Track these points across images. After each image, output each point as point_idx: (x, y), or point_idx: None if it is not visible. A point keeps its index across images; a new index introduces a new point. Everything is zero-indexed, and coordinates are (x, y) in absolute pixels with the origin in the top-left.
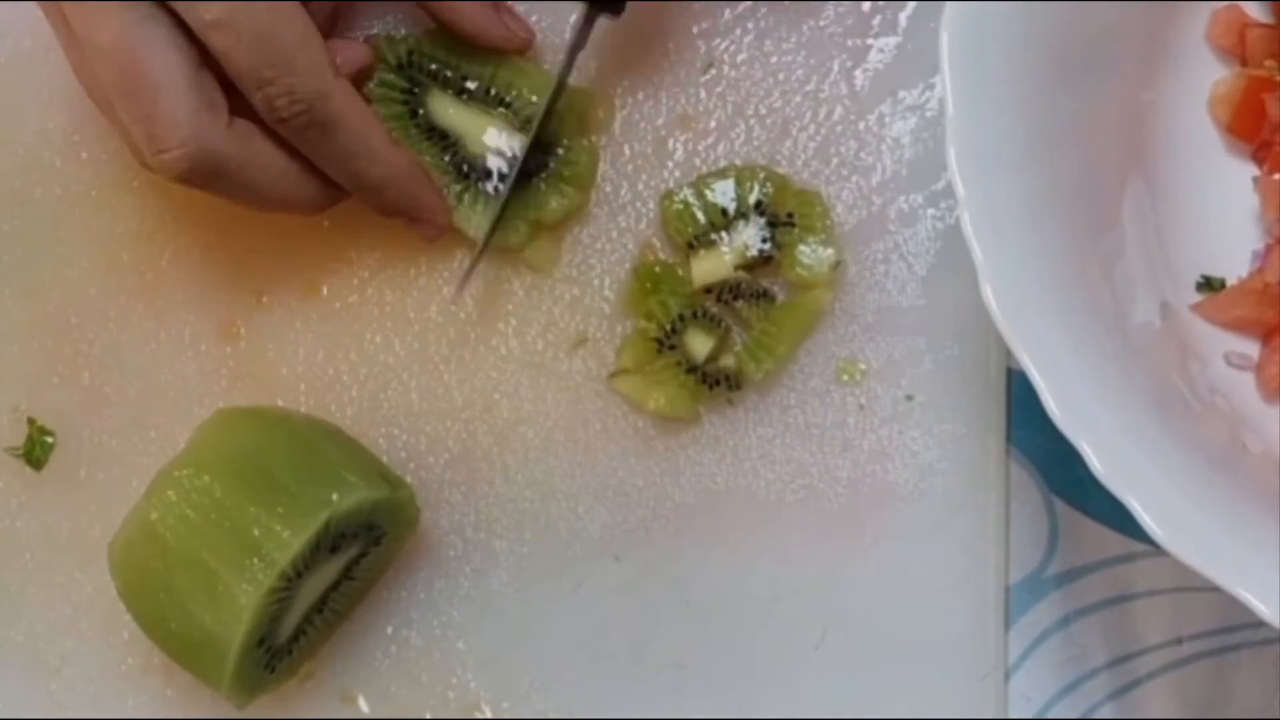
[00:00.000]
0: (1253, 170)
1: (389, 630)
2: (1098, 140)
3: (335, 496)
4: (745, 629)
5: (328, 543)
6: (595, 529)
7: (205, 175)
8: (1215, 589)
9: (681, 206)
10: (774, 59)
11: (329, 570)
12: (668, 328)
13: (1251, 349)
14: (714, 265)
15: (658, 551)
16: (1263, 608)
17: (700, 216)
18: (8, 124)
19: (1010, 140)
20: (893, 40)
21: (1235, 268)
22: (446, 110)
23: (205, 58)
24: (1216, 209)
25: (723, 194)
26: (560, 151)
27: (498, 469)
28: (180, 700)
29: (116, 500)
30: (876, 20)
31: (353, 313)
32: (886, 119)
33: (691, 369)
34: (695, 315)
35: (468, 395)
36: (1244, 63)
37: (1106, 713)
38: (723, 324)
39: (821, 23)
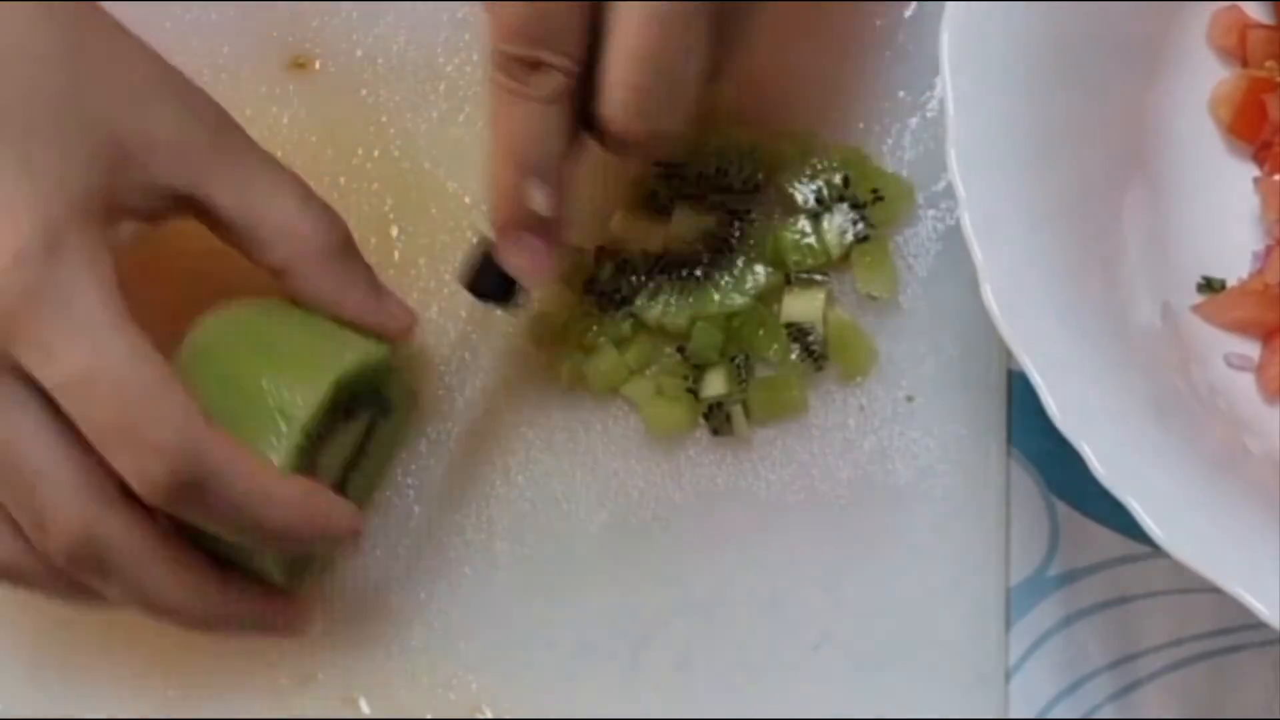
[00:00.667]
0: (1254, 171)
1: (390, 631)
2: (1098, 141)
3: (343, 353)
4: (745, 629)
5: (342, 404)
6: (596, 530)
7: (89, 565)
8: (1215, 590)
9: (798, 237)
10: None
11: (346, 440)
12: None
13: (1252, 350)
14: (808, 306)
15: (658, 552)
16: (1263, 609)
17: (818, 248)
18: None
19: (1011, 141)
20: (893, 40)
21: (1236, 269)
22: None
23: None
24: (1217, 210)
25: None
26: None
27: (499, 470)
28: (181, 701)
29: None
30: (877, 20)
31: None
32: (887, 119)
33: (693, 390)
34: (733, 359)
35: (469, 396)
36: (1245, 64)
37: (1107, 714)
38: (744, 381)
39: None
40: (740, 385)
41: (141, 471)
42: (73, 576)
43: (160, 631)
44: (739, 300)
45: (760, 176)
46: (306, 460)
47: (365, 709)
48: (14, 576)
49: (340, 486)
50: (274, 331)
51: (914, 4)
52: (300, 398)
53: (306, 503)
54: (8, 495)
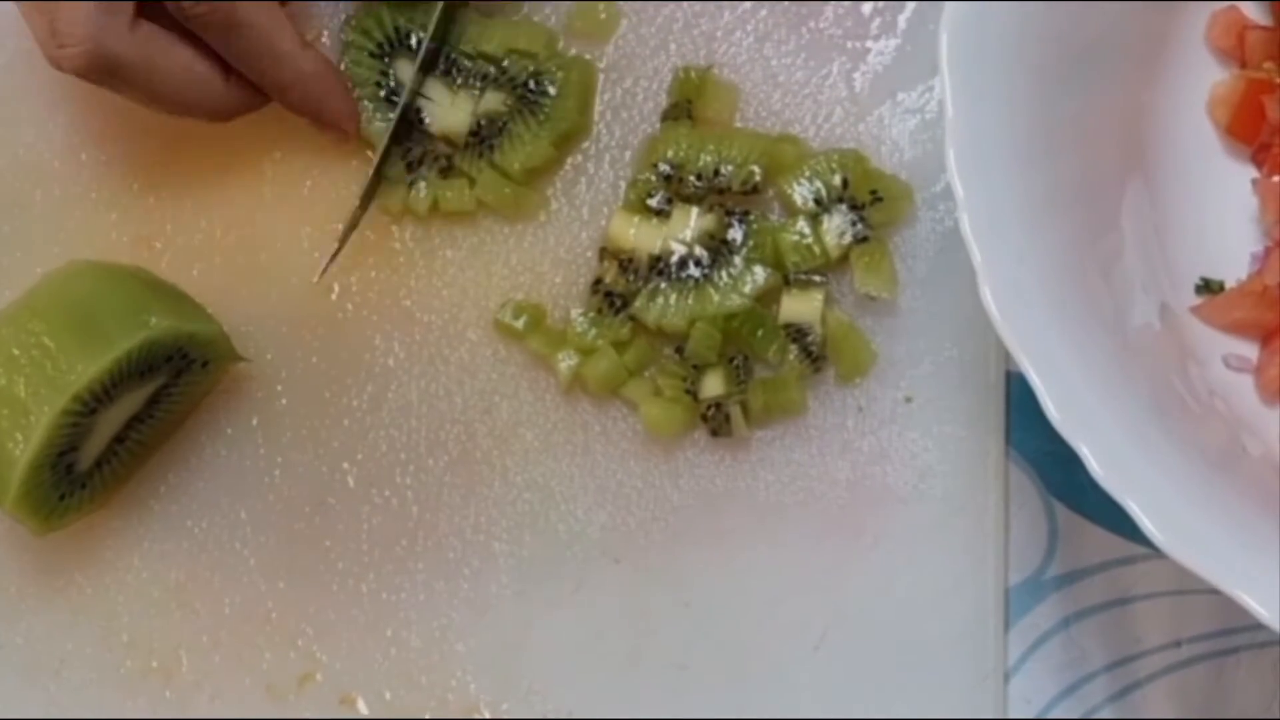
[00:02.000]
0: (1252, 172)
1: (388, 632)
2: (1097, 142)
3: (137, 331)
4: (744, 630)
5: (133, 369)
6: (594, 531)
7: (102, 73)
8: (1214, 591)
9: (797, 238)
10: (773, 61)
11: (133, 399)
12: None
13: (1250, 351)
14: (806, 307)
15: (657, 553)
16: (1262, 610)
17: (816, 250)
18: (7, 126)
19: (1009, 142)
20: (892, 42)
21: (1234, 270)
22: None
23: None
24: (1215, 211)
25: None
26: (544, 102)
27: (497, 471)
28: (180, 701)
29: (116, 501)
30: (875, 22)
31: (355, 315)
32: (886, 121)
33: (691, 391)
34: (732, 360)
35: (467, 397)
36: (1243, 64)
37: (1106, 714)
38: (743, 382)
39: (821, 25)
40: (739, 386)
41: (180, 9)
42: (89, 81)
43: (160, 630)
44: (738, 301)
45: (759, 178)
46: (79, 417)
47: (364, 709)
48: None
49: (122, 436)
50: (95, 293)
51: (913, 4)
52: (79, 369)
53: (311, 79)
54: (31, 15)
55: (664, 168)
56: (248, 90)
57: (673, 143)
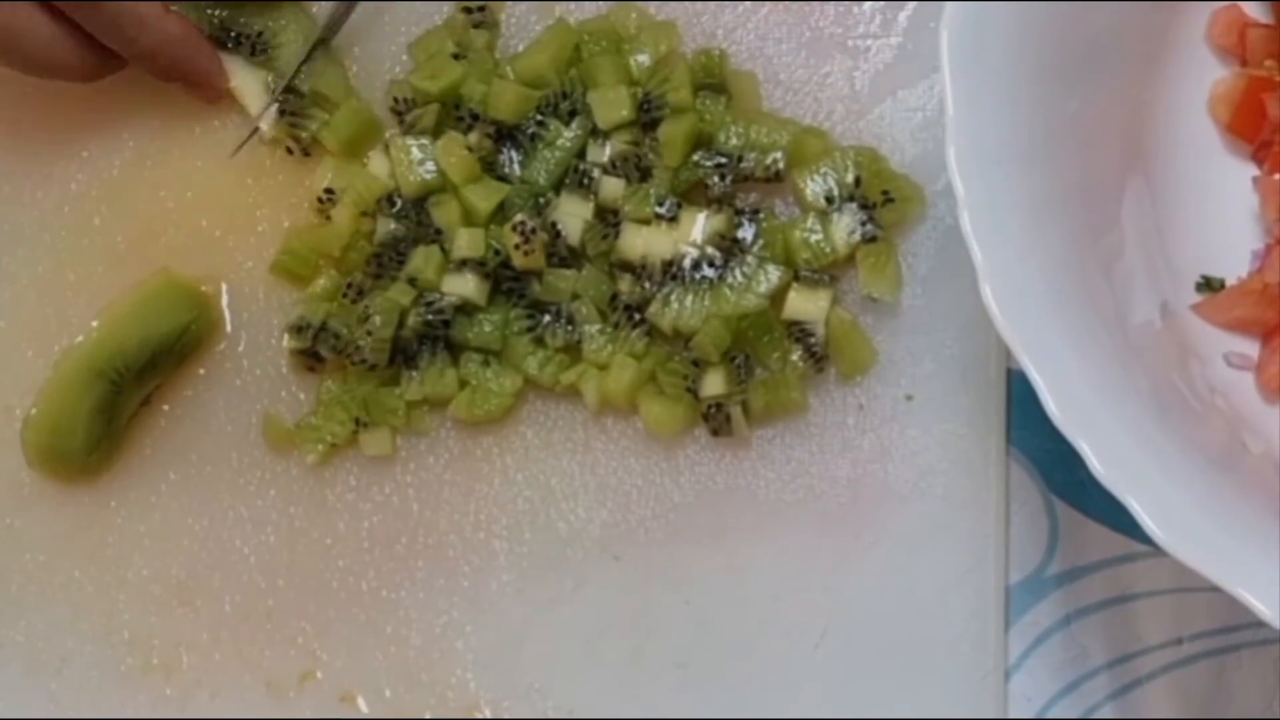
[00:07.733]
0: (1253, 170)
1: (388, 630)
2: (1098, 140)
3: None
4: (745, 629)
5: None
6: (595, 529)
7: None
8: (1215, 589)
9: (808, 235)
10: (774, 59)
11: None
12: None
13: (1251, 349)
14: (812, 306)
15: (657, 551)
16: (1262, 608)
17: (827, 248)
18: (8, 124)
19: (1010, 140)
20: (893, 40)
21: (1235, 268)
22: None
23: None
24: (1216, 209)
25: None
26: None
27: (497, 468)
28: (180, 700)
29: (116, 501)
30: (876, 20)
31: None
32: (886, 119)
33: (692, 390)
34: (734, 359)
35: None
36: (1244, 63)
37: (1107, 713)
38: (743, 382)
39: (822, 23)
40: (740, 386)
41: None
42: None
43: (160, 628)
44: (754, 301)
45: (782, 165)
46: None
47: (364, 708)
48: None
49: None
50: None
51: (914, 4)
52: None
53: (175, 43)
54: None
55: (707, 156)
56: (113, 53)
57: (712, 121)
